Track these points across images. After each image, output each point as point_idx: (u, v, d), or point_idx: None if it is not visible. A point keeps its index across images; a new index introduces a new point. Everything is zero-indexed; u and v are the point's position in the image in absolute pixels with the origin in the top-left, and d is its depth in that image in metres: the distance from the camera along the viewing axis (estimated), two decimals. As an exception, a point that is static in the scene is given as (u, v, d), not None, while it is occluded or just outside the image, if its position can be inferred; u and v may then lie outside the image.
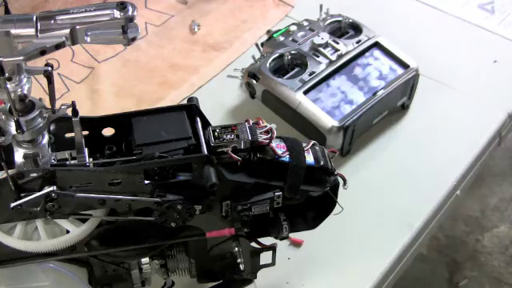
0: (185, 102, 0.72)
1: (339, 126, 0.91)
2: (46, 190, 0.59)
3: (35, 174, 0.60)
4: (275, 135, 0.67)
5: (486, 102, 1.05)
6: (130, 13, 0.57)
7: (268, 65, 0.97)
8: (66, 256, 0.67)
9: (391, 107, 0.99)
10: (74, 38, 0.58)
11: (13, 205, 0.59)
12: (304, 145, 0.70)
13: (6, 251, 0.64)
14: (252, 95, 0.99)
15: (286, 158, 0.67)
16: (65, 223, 0.64)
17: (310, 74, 0.95)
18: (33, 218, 0.63)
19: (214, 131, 0.66)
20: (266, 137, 0.67)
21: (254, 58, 1.01)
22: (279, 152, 0.67)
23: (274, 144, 0.67)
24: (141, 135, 0.65)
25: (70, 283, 0.69)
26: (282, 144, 0.68)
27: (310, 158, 0.69)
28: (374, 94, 0.95)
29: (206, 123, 0.68)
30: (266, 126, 0.68)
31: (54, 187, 0.60)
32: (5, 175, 0.58)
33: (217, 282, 0.77)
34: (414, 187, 0.94)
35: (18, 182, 0.59)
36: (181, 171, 0.64)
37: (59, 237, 0.64)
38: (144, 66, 1.12)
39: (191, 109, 0.69)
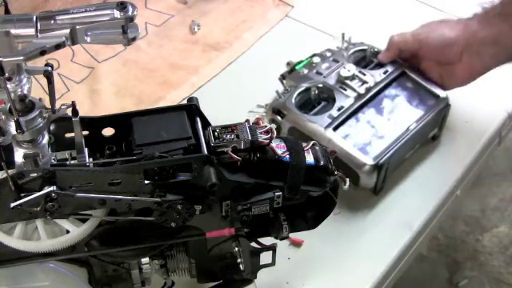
0: (185, 101, 0.72)
1: (373, 164, 0.86)
2: (46, 190, 0.59)
3: (35, 174, 0.60)
4: (275, 135, 0.67)
5: (486, 102, 1.05)
6: (130, 13, 0.57)
7: (293, 100, 0.92)
8: (66, 256, 0.67)
9: (423, 140, 0.95)
10: (73, 38, 0.58)
11: (13, 205, 0.59)
12: (304, 145, 0.70)
13: (5, 251, 0.64)
14: (277, 131, 0.93)
15: (286, 157, 0.67)
16: (65, 223, 0.64)
17: (339, 109, 0.90)
18: (33, 218, 0.63)
19: (213, 131, 0.66)
20: (266, 137, 0.66)
21: (277, 92, 0.95)
22: (279, 152, 0.67)
23: (274, 144, 0.67)
24: (141, 135, 0.65)
25: (70, 283, 0.69)
26: (282, 144, 0.68)
27: (309, 158, 0.69)
28: (407, 128, 0.90)
29: (205, 123, 0.68)
30: (266, 126, 0.68)
31: (54, 187, 0.60)
32: (5, 175, 0.58)
33: (217, 282, 0.77)
34: (413, 187, 0.94)
35: (18, 181, 0.59)
36: (181, 171, 0.64)
37: (59, 237, 0.64)
38: (144, 66, 1.12)
39: (191, 109, 0.69)
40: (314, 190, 0.70)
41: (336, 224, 0.87)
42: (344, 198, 0.83)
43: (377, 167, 0.87)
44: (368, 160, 0.87)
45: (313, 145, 0.71)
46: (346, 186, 0.72)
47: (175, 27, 1.18)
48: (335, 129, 0.89)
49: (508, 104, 1.05)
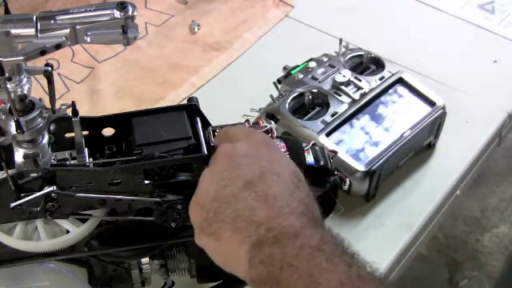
0: (185, 101, 0.71)
1: (365, 171, 0.85)
2: (46, 190, 0.59)
3: (35, 174, 0.60)
4: (275, 135, 0.67)
5: (485, 102, 1.05)
6: (130, 13, 0.57)
7: (287, 105, 0.91)
8: (66, 256, 0.67)
9: (418, 148, 0.95)
10: (73, 38, 0.58)
11: (13, 205, 0.59)
12: (304, 145, 0.70)
13: (5, 251, 0.64)
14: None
15: (286, 157, 0.67)
16: (65, 223, 0.64)
17: (333, 115, 0.89)
18: (33, 218, 0.63)
19: (214, 131, 0.66)
20: (265, 137, 0.66)
21: (272, 97, 0.93)
22: (279, 152, 0.67)
23: (273, 144, 0.66)
24: (141, 135, 0.65)
25: (70, 283, 0.69)
26: (282, 144, 0.68)
27: (310, 158, 0.69)
28: (401, 135, 0.89)
29: (205, 123, 0.68)
30: (265, 126, 0.68)
31: (54, 187, 0.60)
32: (5, 175, 0.58)
33: (217, 282, 0.77)
34: (412, 189, 0.94)
35: (18, 181, 0.59)
36: (181, 171, 0.64)
37: (59, 237, 0.64)
38: (144, 65, 1.12)
39: (191, 109, 0.69)
40: (313, 190, 0.70)
41: (336, 224, 0.87)
42: (346, 200, 0.83)
43: (369, 174, 0.85)
44: (360, 166, 0.86)
45: (313, 145, 0.70)
46: (346, 186, 0.72)
47: (175, 27, 1.18)
48: (328, 134, 0.88)
49: (508, 104, 1.05)
